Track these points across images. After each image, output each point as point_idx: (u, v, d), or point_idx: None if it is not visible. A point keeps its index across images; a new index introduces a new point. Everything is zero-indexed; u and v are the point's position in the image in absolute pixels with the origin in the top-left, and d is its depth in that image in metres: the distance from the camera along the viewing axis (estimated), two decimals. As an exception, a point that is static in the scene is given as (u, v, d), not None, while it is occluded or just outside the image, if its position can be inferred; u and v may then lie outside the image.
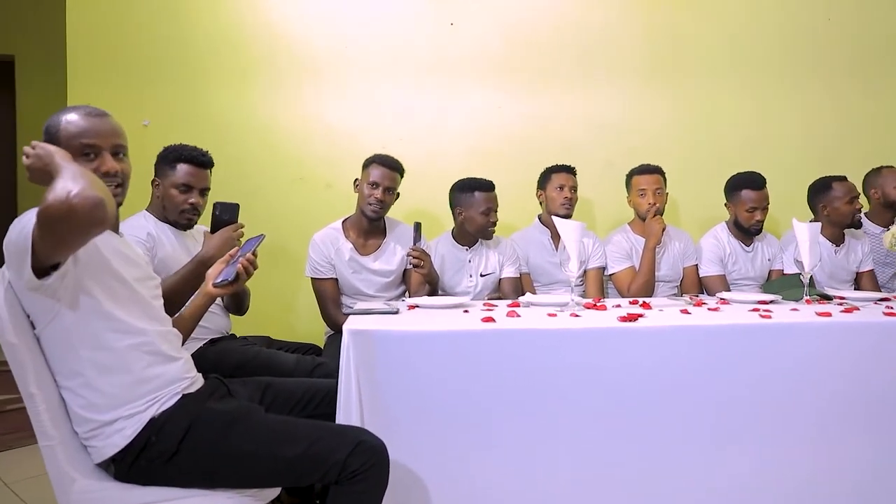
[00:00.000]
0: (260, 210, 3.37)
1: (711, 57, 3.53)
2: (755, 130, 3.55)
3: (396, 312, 2.03)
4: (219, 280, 1.71)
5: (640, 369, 1.79)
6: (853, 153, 3.50)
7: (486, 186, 2.82)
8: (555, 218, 2.17)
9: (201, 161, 2.25)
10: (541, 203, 3.09)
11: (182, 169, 2.21)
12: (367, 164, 2.75)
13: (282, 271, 3.23)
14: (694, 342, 1.81)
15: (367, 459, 1.46)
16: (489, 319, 1.84)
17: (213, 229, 2.12)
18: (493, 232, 2.85)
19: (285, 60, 3.38)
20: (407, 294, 2.82)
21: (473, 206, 2.80)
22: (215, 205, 2.18)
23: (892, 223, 2.42)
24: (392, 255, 2.76)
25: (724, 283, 3.02)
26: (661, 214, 2.99)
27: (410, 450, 1.73)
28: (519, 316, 1.95)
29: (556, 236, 3.03)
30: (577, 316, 1.95)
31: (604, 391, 1.78)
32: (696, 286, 3.08)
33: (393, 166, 2.73)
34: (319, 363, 2.14)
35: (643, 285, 2.91)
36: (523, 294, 2.92)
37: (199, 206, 2.26)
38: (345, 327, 1.75)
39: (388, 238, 2.77)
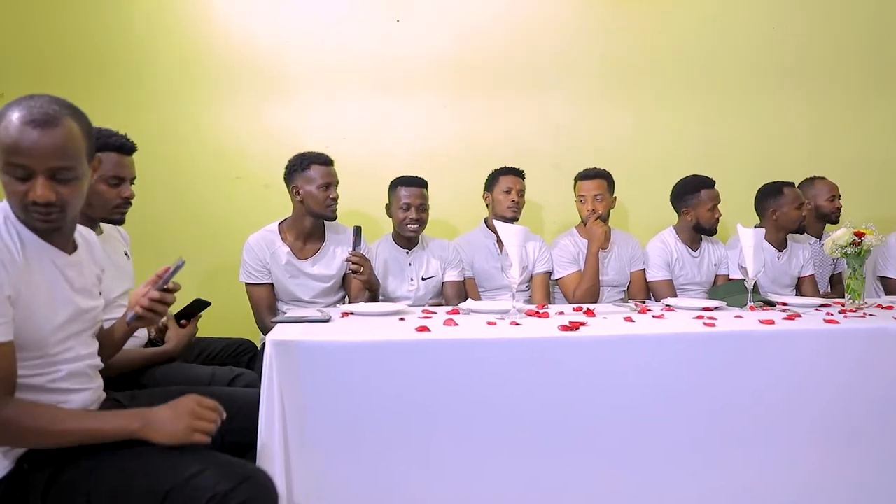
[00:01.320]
0: (195, 209, 3.23)
1: (663, 63, 3.52)
2: (704, 136, 3.55)
3: (328, 321, 1.91)
4: (128, 318, 1.56)
5: (582, 380, 1.71)
6: (795, 160, 3.52)
7: (410, 181, 2.77)
8: (496, 222, 2.10)
9: (129, 147, 2.00)
10: (487, 206, 3.01)
11: (110, 159, 1.92)
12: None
13: (217, 274, 3.09)
14: (637, 352, 1.74)
15: (249, 497, 1.28)
16: (424, 329, 1.75)
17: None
18: (415, 230, 2.77)
19: (224, 57, 3.24)
20: (346, 300, 2.71)
21: (394, 201, 2.78)
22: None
23: (824, 233, 2.41)
24: (332, 259, 2.64)
25: (671, 288, 2.99)
26: (605, 220, 2.95)
27: (339, 469, 1.62)
28: (457, 325, 1.85)
29: (501, 240, 2.95)
30: (517, 324, 1.87)
31: (544, 403, 1.70)
32: (643, 291, 3.04)
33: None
34: (238, 374, 1.99)
35: (588, 290, 2.86)
36: (467, 297, 2.86)
37: (132, 197, 2.02)
38: (268, 338, 1.63)
39: (328, 241, 2.65)
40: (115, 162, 1.94)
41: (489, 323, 1.88)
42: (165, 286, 1.53)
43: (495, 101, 3.40)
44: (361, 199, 3.17)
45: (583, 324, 1.85)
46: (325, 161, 2.56)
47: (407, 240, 2.82)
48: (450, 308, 2.18)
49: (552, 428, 1.70)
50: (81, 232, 1.54)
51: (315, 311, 2.15)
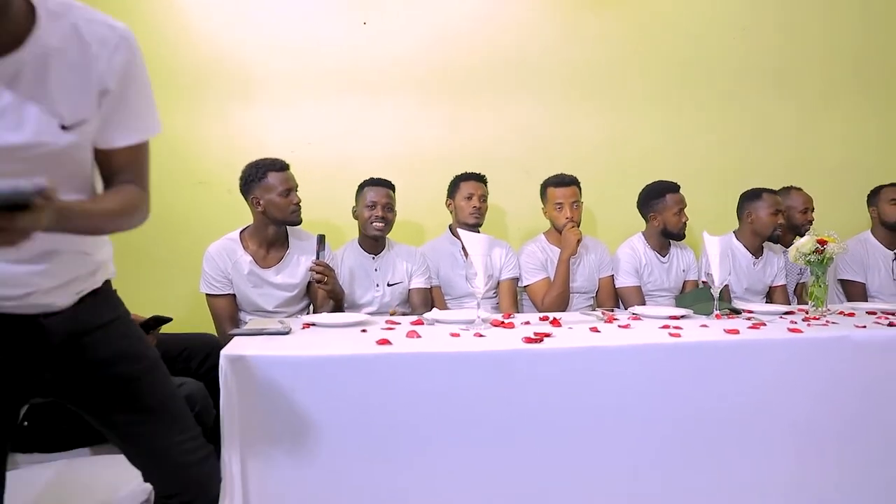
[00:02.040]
0: (156, 214, 3.12)
1: (634, 69, 3.51)
2: (675, 142, 3.55)
3: (287, 333, 1.86)
4: None
5: (546, 393, 1.69)
6: (768, 167, 3.55)
7: (377, 182, 2.74)
8: (460, 230, 2.06)
9: None
10: (451, 212, 2.97)
11: None
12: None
13: (178, 281, 2.99)
14: (602, 363, 1.72)
15: None
16: (385, 342, 1.70)
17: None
18: (381, 228, 2.71)
19: (187, 59, 3.16)
20: (311, 309, 2.66)
21: (360, 202, 2.75)
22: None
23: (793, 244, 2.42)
24: (296, 268, 2.58)
25: (640, 295, 2.99)
26: (578, 226, 2.92)
27: (299, 486, 1.58)
28: (419, 337, 1.81)
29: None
30: (481, 336, 1.84)
31: (509, 417, 1.67)
32: (612, 298, 3.03)
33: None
34: (180, 384, 1.83)
35: (557, 297, 2.84)
36: (433, 306, 2.83)
37: None
38: (223, 353, 1.57)
39: (292, 249, 2.59)
40: None
41: (453, 335, 1.85)
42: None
43: (465, 106, 3.36)
44: (328, 206, 3.11)
45: (548, 335, 1.82)
46: (282, 167, 2.51)
47: (373, 243, 2.77)
48: (414, 318, 2.13)
49: (517, 441, 1.67)
50: None
51: (277, 322, 2.09)
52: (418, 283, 2.82)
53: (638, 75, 3.51)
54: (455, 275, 2.88)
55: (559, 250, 2.92)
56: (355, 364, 1.61)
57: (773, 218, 3.02)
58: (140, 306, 2.09)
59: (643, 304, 2.96)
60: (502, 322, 2.04)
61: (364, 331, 1.92)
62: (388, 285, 2.78)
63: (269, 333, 1.84)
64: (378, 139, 3.30)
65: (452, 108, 3.35)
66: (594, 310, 2.93)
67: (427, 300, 2.81)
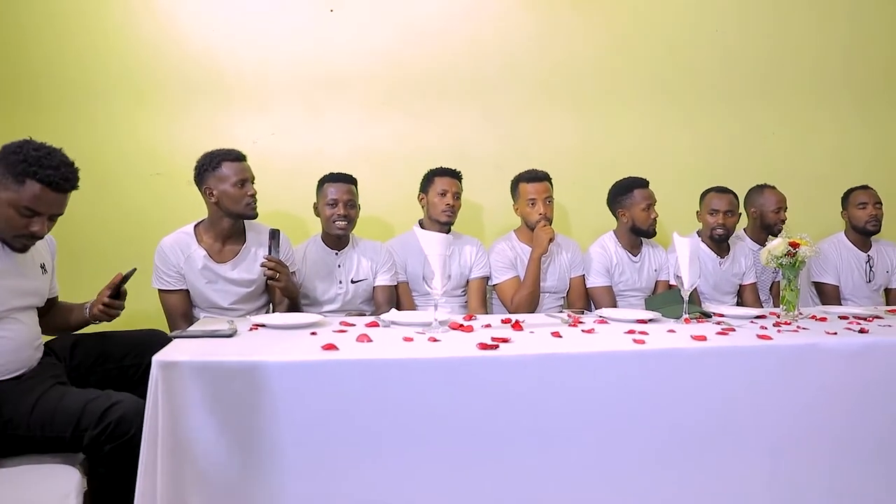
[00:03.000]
0: (113, 205, 3.02)
1: (609, 67, 3.44)
2: (649, 140, 3.48)
3: (232, 335, 1.76)
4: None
5: (501, 402, 1.60)
6: (742, 168, 3.48)
7: (337, 178, 2.64)
8: (416, 229, 1.96)
9: (59, 185, 1.74)
10: (423, 207, 2.88)
11: (31, 189, 1.69)
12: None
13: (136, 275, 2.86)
14: (560, 371, 1.64)
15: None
16: (331, 347, 1.61)
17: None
18: (343, 227, 2.62)
19: (146, 48, 3.04)
20: (271, 307, 2.56)
21: (321, 198, 2.66)
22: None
23: (767, 241, 2.35)
24: (253, 262, 2.47)
25: (611, 295, 2.91)
26: (551, 223, 2.84)
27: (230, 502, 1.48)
28: (370, 341, 1.72)
29: (437, 244, 2.83)
30: (436, 340, 1.75)
31: (460, 427, 1.59)
32: (583, 298, 2.96)
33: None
34: (114, 403, 1.65)
35: (527, 297, 2.76)
36: (399, 303, 2.74)
37: (43, 233, 1.78)
38: (154, 358, 1.47)
39: (249, 243, 2.48)
40: (36, 194, 1.71)
41: (406, 339, 1.76)
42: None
43: (436, 99, 3.26)
44: (291, 198, 3.02)
45: (505, 340, 1.74)
46: (237, 157, 2.40)
47: (336, 240, 2.68)
48: (369, 320, 2.04)
49: (468, 453, 1.59)
50: None
51: (225, 323, 1.99)
52: (383, 280, 2.72)
53: (617, 73, 3.44)
54: (424, 270, 2.78)
55: (529, 248, 2.84)
56: (297, 371, 1.52)
57: (712, 219, 2.98)
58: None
59: (614, 304, 2.89)
60: (461, 325, 1.95)
61: (314, 333, 1.83)
62: (352, 282, 2.68)
63: (213, 336, 1.74)
64: (345, 131, 3.20)
65: (423, 102, 3.25)
66: (563, 310, 2.86)
67: (392, 298, 2.72)
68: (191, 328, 1.89)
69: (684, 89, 3.51)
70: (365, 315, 2.38)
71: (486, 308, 2.88)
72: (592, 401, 1.65)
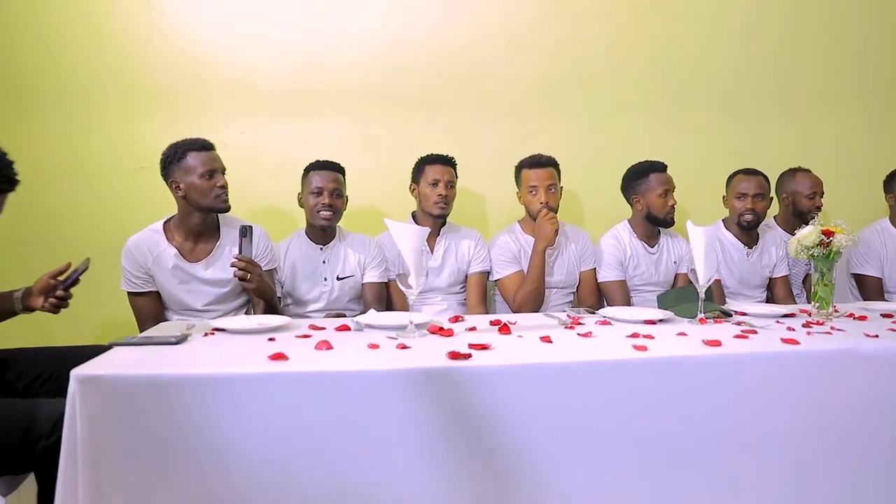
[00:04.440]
0: (95, 199, 2.88)
1: (620, 46, 3.16)
2: (663, 121, 3.20)
3: (179, 342, 1.57)
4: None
5: (473, 418, 1.38)
6: (768, 156, 3.18)
7: (323, 166, 2.46)
8: (387, 221, 1.75)
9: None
10: (415, 199, 2.66)
11: None
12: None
13: (118, 273, 2.70)
14: (541, 384, 1.41)
15: None
16: (280, 357, 1.40)
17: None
18: (329, 217, 2.43)
19: (128, 38, 2.87)
20: (251, 307, 2.38)
21: (305, 187, 2.48)
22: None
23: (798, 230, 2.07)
24: (228, 261, 2.27)
25: (624, 290, 2.66)
26: (556, 212, 2.59)
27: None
28: (330, 348, 1.52)
29: (431, 236, 2.61)
30: (405, 347, 1.53)
31: (422, 445, 1.37)
32: (594, 294, 2.71)
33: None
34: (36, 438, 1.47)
35: (531, 293, 2.53)
36: (390, 302, 2.54)
37: None
38: (73, 373, 1.29)
39: (223, 240, 2.30)
40: None
41: (371, 346, 1.54)
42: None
43: (435, 81, 3.03)
44: (281, 192, 2.80)
45: (484, 347, 1.51)
46: (204, 146, 2.21)
47: (321, 233, 2.49)
48: (339, 323, 1.83)
49: (431, 476, 1.37)
50: None
51: (189, 325, 1.82)
52: (372, 276, 2.52)
53: (633, 52, 3.18)
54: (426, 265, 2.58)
55: (534, 240, 2.60)
56: (234, 384, 1.32)
57: (740, 203, 2.69)
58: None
59: (628, 300, 2.65)
60: (440, 328, 1.73)
61: (272, 339, 1.63)
62: (338, 279, 2.49)
63: (156, 343, 1.56)
64: (338, 119, 2.99)
65: (422, 83, 3.02)
66: (574, 307, 2.63)
67: (381, 296, 2.52)
68: (139, 335, 1.71)
69: (705, 67, 3.22)
70: (344, 315, 2.18)
71: (486, 306, 2.65)
72: (579, 418, 1.41)
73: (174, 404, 1.30)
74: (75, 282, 1.80)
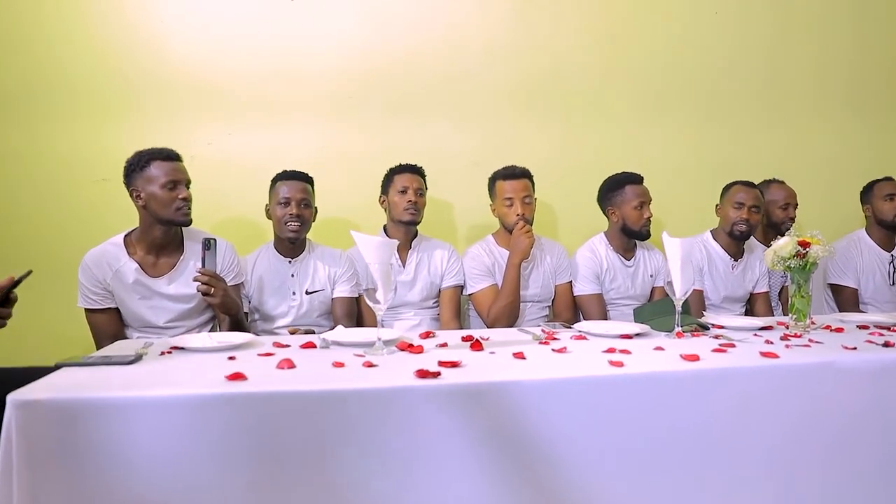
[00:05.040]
0: (56, 211, 2.77)
1: (597, 57, 3.14)
2: (640, 133, 3.18)
3: (132, 362, 1.49)
4: None
5: (441, 440, 1.31)
6: (748, 166, 3.17)
7: (291, 175, 2.40)
8: (353, 233, 1.68)
9: None
10: (385, 210, 2.60)
11: None
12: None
13: (62, 293, 2.59)
14: (512, 403, 1.34)
15: None
16: (238, 377, 1.33)
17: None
18: (297, 229, 2.36)
19: (92, 42, 2.78)
20: (217, 323, 2.29)
21: (273, 198, 2.41)
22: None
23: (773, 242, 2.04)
24: (192, 275, 2.19)
25: (601, 304, 2.62)
26: (531, 224, 2.55)
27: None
28: (293, 367, 1.44)
29: (402, 249, 2.55)
30: (372, 365, 1.46)
31: (386, 468, 1.30)
32: (570, 307, 2.66)
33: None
34: None
35: (506, 308, 2.47)
36: (361, 318, 2.47)
37: None
38: (10, 397, 1.20)
39: (187, 254, 2.21)
40: None
41: (336, 364, 1.47)
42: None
43: (407, 92, 2.98)
44: (249, 203, 2.72)
45: (454, 364, 1.45)
46: (169, 156, 2.13)
47: (289, 246, 2.41)
48: (305, 340, 1.76)
49: (394, 497, 1.29)
50: None
51: (147, 343, 1.73)
52: (342, 291, 2.44)
53: (609, 64, 3.15)
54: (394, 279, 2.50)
55: (509, 253, 2.55)
56: (188, 407, 1.24)
57: (735, 212, 2.67)
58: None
59: (604, 314, 2.60)
60: (410, 345, 1.66)
61: (232, 358, 1.55)
62: (307, 293, 2.41)
63: (108, 363, 1.47)
64: (308, 128, 2.92)
65: (394, 94, 2.97)
66: (550, 321, 2.58)
67: (352, 311, 2.45)
68: (91, 354, 1.62)
69: (681, 82, 3.21)
70: (312, 332, 2.10)
71: (460, 321, 2.59)
72: (554, 436, 1.35)
73: (121, 430, 1.21)
74: (10, 293, 1.60)
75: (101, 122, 2.78)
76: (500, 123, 3.05)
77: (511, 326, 2.43)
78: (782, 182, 2.88)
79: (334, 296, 2.44)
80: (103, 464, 1.21)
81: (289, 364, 1.45)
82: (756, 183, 2.80)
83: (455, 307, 2.57)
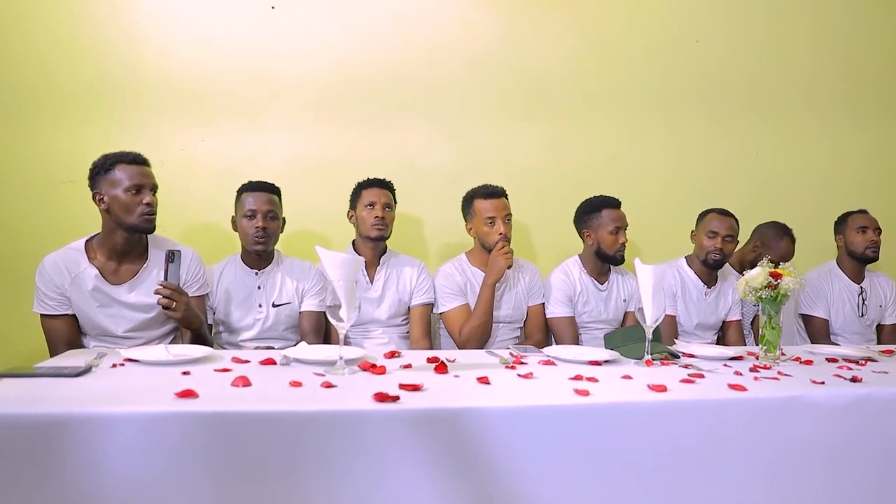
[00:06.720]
0: (20, 214, 2.70)
1: (578, 73, 3.14)
2: (622, 153, 3.17)
3: (80, 374, 1.43)
4: None
5: (398, 468, 1.26)
6: (727, 188, 3.20)
7: (257, 187, 2.35)
8: (318, 249, 1.64)
9: None
10: (353, 225, 2.56)
11: None
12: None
13: (18, 299, 2.50)
14: (473, 430, 1.30)
15: None
16: (188, 394, 1.27)
17: None
18: (262, 241, 2.31)
19: (63, 43, 2.72)
20: (180, 334, 2.22)
21: (239, 210, 2.36)
22: None
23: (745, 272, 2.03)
24: (154, 284, 2.12)
25: (573, 327, 2.59)
26: (509, 243, 2.51)
27: None
28: (248, 385, 1.39)
29: (371, 265, 2.51)
30: (331, 386, 1.42)
31: (350, 495, 1.25)
32: (542, 329, 2.63)
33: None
34: None
35: (477, 329, 2.43)
36: (328, 333, 2.42)
37: None
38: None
39: (150, 262, 2.15)
40: None
41: (293, 383, 1.42)
42: None
43: (385, 106, 2.95)
44: (221, 211, 2.66)
45: (416, 388, 1.41)
46: (135, 159, 2.07)
47: (256, 258, 2.36)
48: (265, 357, 1.70)
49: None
50: None
51: (99, 354, 1.66)
52: (310, 305, 2.39)
53: (590, 80, 3.14)
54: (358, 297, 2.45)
55: (482, 273, 2.52)
56: (132, 426, 1.18)
57: (709, 241, 2.66)
58: None
59: (576, 337, 2.58)
60: (372, 366, 1.62)
61: (186, 373, 1.49)
62: (274, 306, 2.36)
63: (52, 375, 1.41)
64: (285, 139, 2.88)
65: (372, 108, 2.94)
66: (521, 343, 2.55)
67: (319, 326, 2.39)
68: (41, 364, 1.55)
69: (665, 99, 3.21)
70: (273, 348, 2.05)
71: (430, 339, 2.55)
72: (512, 467, 1.31)
73: (60, 448, 1.16)
74: None
75: (70, 124, 2.72)
76: (479, 138, 3.03)
77: (482, 347, 2.39)
78: (789, 236, 2.96)
79: (302, 309, 2.39)
80: (44, 483, 1.15)
81: (244, 382, 1.40)
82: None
83: (425, 326, 2.53)
